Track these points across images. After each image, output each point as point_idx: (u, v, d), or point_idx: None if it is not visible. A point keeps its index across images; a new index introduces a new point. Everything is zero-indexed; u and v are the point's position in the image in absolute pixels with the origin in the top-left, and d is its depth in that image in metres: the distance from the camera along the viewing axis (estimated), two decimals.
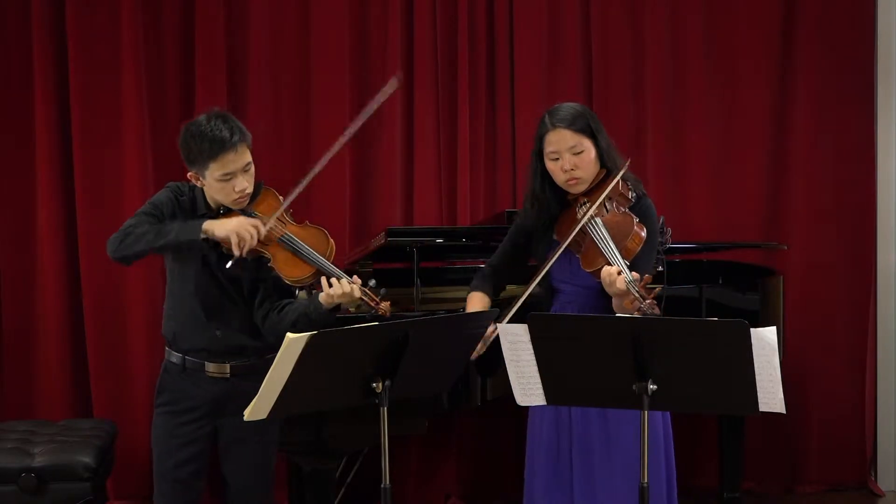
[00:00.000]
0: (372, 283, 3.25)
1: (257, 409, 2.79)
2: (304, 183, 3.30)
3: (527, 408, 3.04)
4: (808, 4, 5.16)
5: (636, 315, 2.98)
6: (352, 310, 3.42)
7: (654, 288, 2.98)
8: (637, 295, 2.95)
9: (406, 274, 4.57)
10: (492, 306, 3.38)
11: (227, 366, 3.31)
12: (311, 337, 2.69)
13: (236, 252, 3.13)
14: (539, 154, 3.32)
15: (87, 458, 4.08)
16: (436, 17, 5.01)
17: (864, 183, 5.25)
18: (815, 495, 5.25)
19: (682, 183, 5.19)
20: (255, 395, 3.28)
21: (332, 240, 3.29)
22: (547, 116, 3.30)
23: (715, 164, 5.22)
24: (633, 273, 3.01)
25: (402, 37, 5.00)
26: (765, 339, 2.67)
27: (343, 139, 3.33)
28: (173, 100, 4.95)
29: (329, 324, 3.19)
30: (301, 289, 3.91)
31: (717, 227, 5.18)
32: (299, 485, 4.39)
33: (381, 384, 2.84)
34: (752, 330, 2.65)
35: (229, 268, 3.18)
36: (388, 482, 2.89)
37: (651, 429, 3.21)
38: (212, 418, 3.34)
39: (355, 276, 3.22)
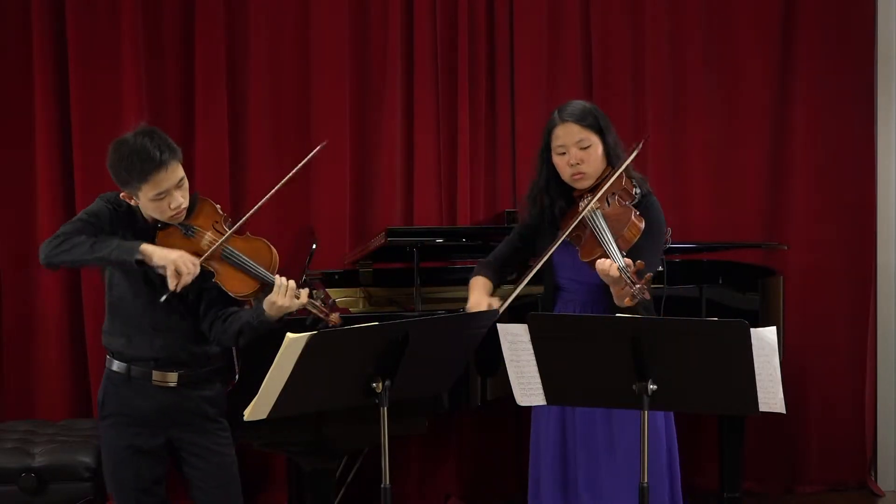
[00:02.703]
0: (321, 293, 3.23)
1: (257, 409, 2.79)
2: (249, 213, 3.26)
3: (527, 408, 3.04)
4: (808, 4, 5.16)
5: (629, 303, 2.98)
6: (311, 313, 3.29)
7: (647, 273, 2.98)
8: (627, 280, 2.96)
9: (406, 274, 4.58)
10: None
11: (175, 374, 3.26)
12: (311, 337, 2.69)
13: (172, 286, 3.05)
14: (547, 148, 3.35)
15: (87, 458, 4.07)
16: (436, 16, 5.00)
17: (864, 183, 5.24)
18: (815, 495, 5.24)
19: (681, 183, 5.19)
20: (205, 403, 3.30)
21: (275, 251, 3.26)
22: (556, 112, 3.36)
23: (715, 164, 5.21)
24: (626, 259, 3.02)
25: (402, 37, 5.00)
26: (765, 339, 2.67)
27: (278, 186, 3.30)
28: (173, 100, 4.95)
29: (272, 331, 3.13)
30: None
31: (717, 227, 5.18)
32: (299, 485, 4.39)
33: (381, 384, 2.85)
34: (752, 330, 2.66)
35: (163, 301, 3.10)
36: (388, 482, 2.90)
37: (651, 429, 3.22)
38: (163, 429, 3.28)
39: (304, 288, 3.19)
